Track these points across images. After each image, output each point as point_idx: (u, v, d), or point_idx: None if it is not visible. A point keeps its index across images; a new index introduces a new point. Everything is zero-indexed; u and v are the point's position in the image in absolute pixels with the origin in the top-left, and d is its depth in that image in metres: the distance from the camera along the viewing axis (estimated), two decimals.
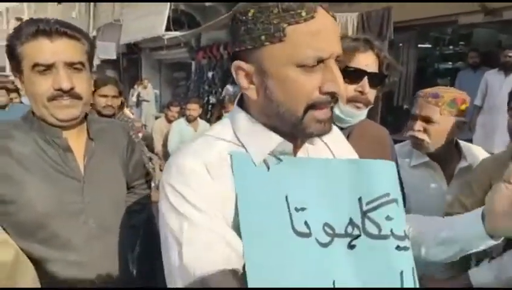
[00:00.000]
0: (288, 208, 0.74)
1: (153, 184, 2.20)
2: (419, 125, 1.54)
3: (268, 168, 0.77)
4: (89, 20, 13.72)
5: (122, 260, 1.25)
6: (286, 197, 0.75)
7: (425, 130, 1.54)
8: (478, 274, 1.33)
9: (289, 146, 0.80)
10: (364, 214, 0.78)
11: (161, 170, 4.62)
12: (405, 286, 0.75)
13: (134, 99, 10.29)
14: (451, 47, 7.87)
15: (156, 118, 7.87)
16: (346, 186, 0.80)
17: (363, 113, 1.29)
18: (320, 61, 0.71)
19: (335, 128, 0.96)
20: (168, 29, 9.96)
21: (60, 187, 1.10)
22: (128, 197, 1.34)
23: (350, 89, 1.23)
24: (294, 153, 0.82)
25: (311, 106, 0.73)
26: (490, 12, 4.80)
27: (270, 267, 0.70)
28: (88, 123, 1.22)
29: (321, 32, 0.70)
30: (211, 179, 0.74)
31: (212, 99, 9.22)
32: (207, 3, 8.75)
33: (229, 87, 7.69)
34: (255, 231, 0.72)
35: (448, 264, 1.10)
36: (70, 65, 1.08)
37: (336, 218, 0.77)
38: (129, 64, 13.41)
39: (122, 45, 12.13)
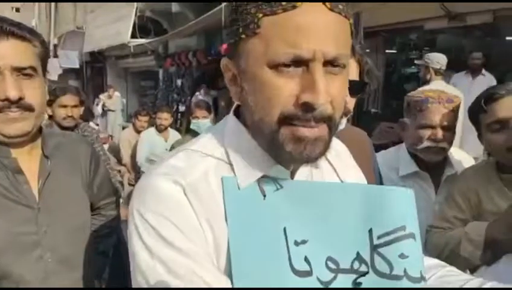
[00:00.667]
0: (287, 242, 0.63)
1: (121, 200, 2.03)
2: (441, 134, 1.43)
3: (265, 196, 0.64)
4: (50, 27, 13.22)
5: None
6: (284, 229, 0.63)
7: (444, 138, 1.45)
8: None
9: (284, 173, 0.67)
10: (374, 248, 0.67)
11: (130, 184, 4.39)
12: None
13: (99, 109, 9.94)
14: (416, 52, 8.09)
15: (123, 128, 7.59)
16: (355, 215, 0.68)
17: (342, 123, 1.21)
18: (300, 62, 0.57)
19: (344, 150, 0.85)
20: (134, 36, 9.73)
21: (10, 217, 0.93)
22: (94, 220, 1.18)
23: None
24: (293, 176, 0.69)
25: (288, 119, 0.59)
26: (454, 17, 4.92)
27: None
28: (43, 138, 1.05)
29: (303, 26, 0.56)
30: (189, 205, 0.60)
31: (182, 108, 9.03)
32: (174, 10, 8.59)
33: (199, 96, 7.53)
34: (248, 272, 0.60)
35: None
36: (19, 71, 0.92)
37: (341, 251, 0.66)
38: (93, 73, 13.02)
39: (86, 53, 11.76)
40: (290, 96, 0.58)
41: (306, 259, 0.63)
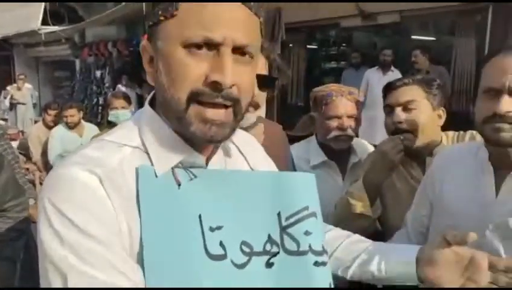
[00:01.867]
0: (202, 228, 0.65)
1: (32, 201, 1.89)
2: (347, 123, 1.60)
3: (179, 185, 0.66)
4: None
5: None
6: (200, 216, 0.66)
7: (350, 126, 1.61)
8: None
9: (200, 158, 0.70)
10: (283, 229, 0.73)
11: (41, 184, 4.08)
12: None
13: (7, 102, 9.04)
14: (335, 48, 8.56)
15: (36, 122, 7.01)
16: (265, 200, 0.73)
17: (252, 116, 1.25)
18: (212, 45, 0.61)
19: (252, 139, 0.90)
20: (45, 23, 8.97)
21: None
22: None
23: None
24: (206, 164, 0.72)
25: (196, 97, 0.63)
26: (367, 16, 5.29)
27: None
28: None
29: (217, 14, 0.61)
30: (106, 195, 0.61)
31: (101, 101, 8.57)
32: None
33: (120, 87, 7.21)
34: (161, 258, 0.62)
35: None
36: None
37: (254, 235, 0.70)
38: None
39: None
40: (199, 75, 0.62)
41: (221, 243, 0.66)
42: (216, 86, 0.61)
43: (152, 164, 0.66)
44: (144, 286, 0.59)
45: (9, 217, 1.17)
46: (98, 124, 5.24)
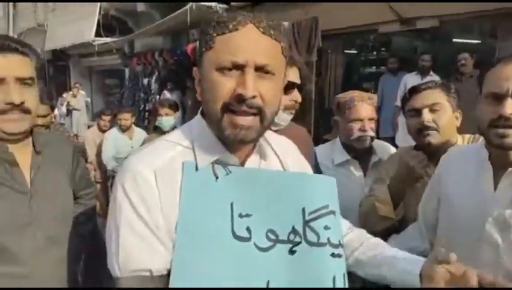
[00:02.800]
0: (232, 214, 0.80)
1: None
2: (368, 125, 1.78)
3: (217, 178, 0.82)
4: (8, 24, 12.77)
5: (70, 271, 1.27)
6: (231, 204, 0.81)
7: (370, 128, 1.78)
8: None
9: (233, 159, 0.85)
10: (306, 223, 0.85)
11: (96, 182, 4.47)
12: (336, 288, 0.83)
13: (63, 109, 9.77)
14: (374, 53, 8.53)
15: (89, 127, 7.56)
16: (291, 197, 0.85)
17: (289, 117, 1.49)
18: (238, 66, 0.78)
19: (288, 142, 1.05)
20: (98, 34, 9.61)
21: (7, 201, 1.10)
22: (75, 208, 1.36)
23: (285, 99, 1.41)
24: (243, 164, 0.88)
25: (228, 108, 0.79)
26: (405, 21, 5.30)
27: (199, 266, 0.76)
28: (34, 136, 1.23)
29: (241, 42, 0.78)
30: (157, 188, 0.79)
31: (149, 106, 9.04)
32: (139, 9, 8.59)
33: (167, 93, 7.62)
34: (190, 232, 0.78)
35: None
36: (21, 80, 1.10)
37: (280, 226, 0.83)
38: (56, 71, 12.70)
39: (48, 51, 11.46)
40: (229, 90, 0.79)
41: (248, 229, 0.81)
42: (240, 98, 0.77)
43: (195, 160, 0.83)
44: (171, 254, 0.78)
45: (81, 203, 1.43)
46: (145, 129, 5.61)
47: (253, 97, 0.78)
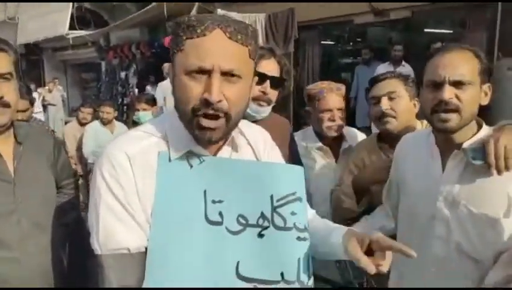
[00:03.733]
0: (205, 200, 0.86)
1: None
2: (337, 115, 1.86)
3: (191, 166, 0.88)
4: None
5: (56, 256, 1.32)
6: (205, 191, 0.87)
7: (339, 117, 1.87)
8: (358, 228, 1.61)
9: (203, 151, 0.90)
10: (274, 209, 0.90)
11: (79, 175, 4.45)
12: (301, 269, 0.89)
13: (39, 104, 9.55)
14: (350, 44, 8.67)
15: (66, 122, 7.45)
16: (260, 185, 0.91)
17: (266, 110, 1.55)
18: (204, 71, 0.82)
19: (262, 132, 1.09)
20: (72, 27, 9.42)
21: None
22: (58, 197, 1.40)
23: (255, 90, 1.46)
24: (215, 154, 0.93)
25: (196, 111, 0.83)
26: (379, 13, 5.44)
27: (174, 248, 0.82)
28: (15, 128, 1.27)
29: (208, 47, 0.82)
30: (132, 172, 0.85)
31: (127, 100, 8.97)
32: (114, 2, 8.47)
33: (149, 88, 7.59)
34: (165, 217, 0.83)
35: None
36: (0, 75, 1.13)
37: (250, 211, 0.89)
38: (29, 66, 12.37)
39: (20, 45, 11.15)
40: (197, 95, 0.83)
41: (220, 213, 0.86)
42: (206, 102, 0.82)
43: (169, 150, 0.89)
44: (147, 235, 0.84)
45: (64, 193, 1.47)
46: (124, 122, 5.59)
47: (219, 101, 0.83)
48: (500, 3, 4.42)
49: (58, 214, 1.35)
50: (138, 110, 3.74)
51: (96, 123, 4.50)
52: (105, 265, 0.84)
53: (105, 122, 4.44)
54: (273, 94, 1.55)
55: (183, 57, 0.84)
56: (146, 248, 0.84)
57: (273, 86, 1.53)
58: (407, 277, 1.32)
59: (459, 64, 1.14)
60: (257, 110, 1.53)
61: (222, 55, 0.83)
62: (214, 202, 0.87)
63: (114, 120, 4.60)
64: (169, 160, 0.88)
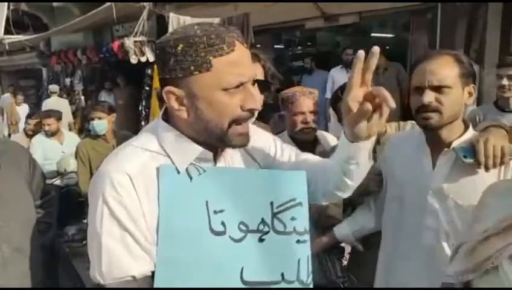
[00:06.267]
0: (208, 211, 0.87)
1: None
2: (310, 117, 1.90)
3: (191, 178, 0.88)
4: None
5: (35, 278, 1.22)
6: (206, 202, 0.87)
7: (312, 120, 1.90)
8: (339, 229, 1.70)
9: (209, 155, 0.92)
10: (274, 215, 0.93)
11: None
12: (300, 269, 0.93)
13: None
14: (299, 48, 8.91)
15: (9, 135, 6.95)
16: (260, 192, 0.94)
17: (253, 118, 1.52)
18: (241, 84, 0.85)
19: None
20: (7, 32, 8.78)
21: None
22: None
23: None
24: (216, 160, 0.95)
25: (234, 121, 0.87)
26: (328, 18, 5.64)
27: (182, 263, 0.82)
28: None
29: (240, 62, 0.85)
30: (135, 193, 0.83)
31: (72, 108, 8.52)
32: (55, 4, 8.01)
33: (105, 95, 7.28)
34: (172, 232, 0.83)
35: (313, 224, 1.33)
36: None
37: (250, 218, 0.91)
38: None
39: None
40: (236, 106, 0.86)
41: (222, 223, 0.87)
42: (252, 111, 0.88)
43: (173, 163, 0.87)
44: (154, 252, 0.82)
45: (40, 212, 1.37)
46: (69, 130, 5.29)
47: None
48: (439, 8, 4.74)
49: (36, 235, 1.26)
50: (93, 119, 3.53)
51: (40, 136, 4.24)
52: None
53: (48, 134, 4.18)
54: (260, 99, 1.54)
55: (214, 76, 0.84)
56: (153, 272, 0.82)
57: (260, 91, 1.50)
58: (395, 269, 1.39)
59: (440, 70, 1.23)
60: None
61: (250, 66, 0.88)
62: (215, 212, 0.87)
63: (62, 130, 4.36)
64: (178, 172, 0.87)
